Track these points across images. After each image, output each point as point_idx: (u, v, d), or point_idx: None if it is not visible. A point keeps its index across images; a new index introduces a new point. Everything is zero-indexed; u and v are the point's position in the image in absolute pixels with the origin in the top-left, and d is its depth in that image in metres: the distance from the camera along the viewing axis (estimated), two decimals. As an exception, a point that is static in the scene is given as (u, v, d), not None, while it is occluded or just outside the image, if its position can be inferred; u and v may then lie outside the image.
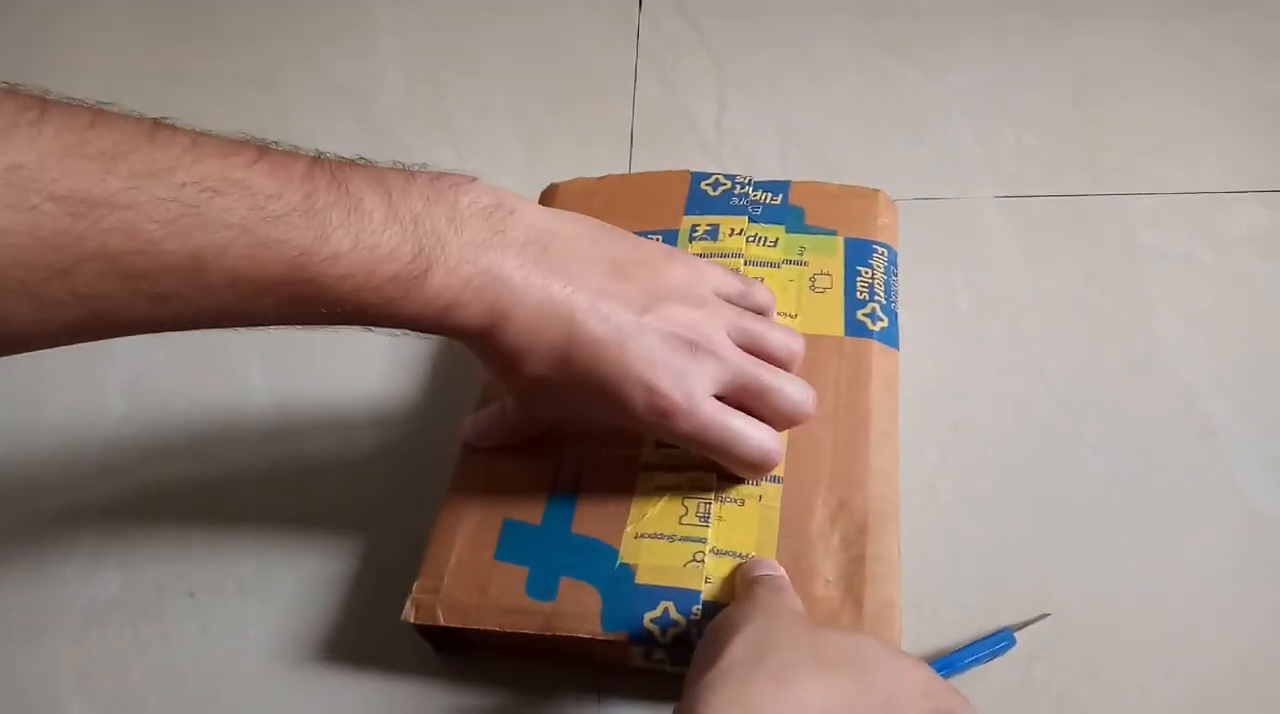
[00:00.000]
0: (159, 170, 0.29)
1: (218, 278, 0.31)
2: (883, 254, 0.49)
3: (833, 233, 0.50)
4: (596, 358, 0.37)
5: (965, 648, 0.42)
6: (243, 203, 0.30)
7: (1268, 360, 0.51)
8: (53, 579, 0.49)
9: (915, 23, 0.71)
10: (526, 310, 0.36)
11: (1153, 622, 0.43)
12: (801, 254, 0.49)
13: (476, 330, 0.36)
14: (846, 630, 0.33)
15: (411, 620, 0.40)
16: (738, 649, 0.31)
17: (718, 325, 0.39)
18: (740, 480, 0.42)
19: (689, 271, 0.41)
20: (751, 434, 0.39)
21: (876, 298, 0.47)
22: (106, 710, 0.45)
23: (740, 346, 0.40)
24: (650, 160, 0.64)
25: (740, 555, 0.40)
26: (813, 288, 0.48)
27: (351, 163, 0.34)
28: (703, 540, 0.40)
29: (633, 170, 0.64)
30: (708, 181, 0.52)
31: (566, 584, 0.40)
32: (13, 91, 0.28)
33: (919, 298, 0.54)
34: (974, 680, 0.42)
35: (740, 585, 0.39)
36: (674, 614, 0.38)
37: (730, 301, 0.41)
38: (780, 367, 0.41)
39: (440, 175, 0.36)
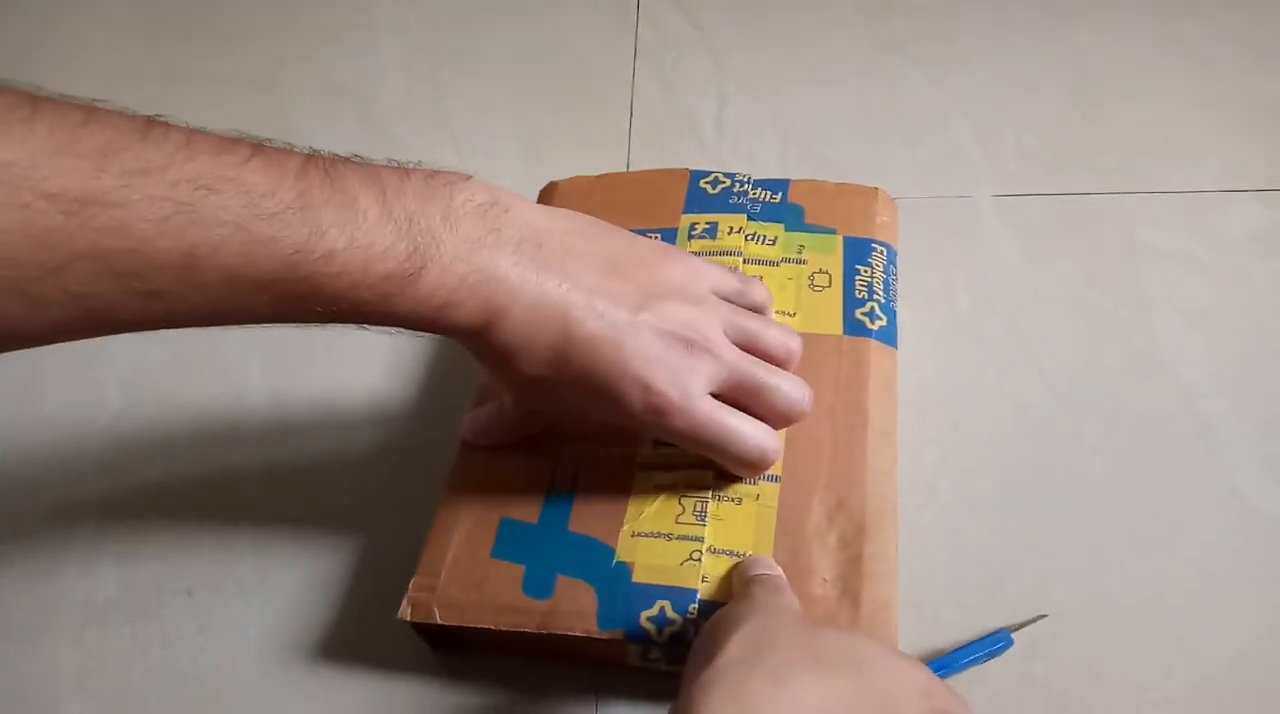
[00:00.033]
0: (152, 168, 0.29)
1: (211, 276, 0.30)
2: (882, 253, 0.49)
3: (832, 231, 0.50)
4: (592, 356, 0.37)
5: (962, 648, 0.42)
6: (236, 201, 0.30)
7: (1267, 359, 0.51)
8: (50, 578, 0.49)
9: (915, 21, 0.70)
10: (522, 308, 0.36)
11: (1152, 620, 0.43)
12: (800, 252, 0.49)
13: (472, 328, 0.36)
14: (844, 630, 0.33)
15: (408, 619, 0.40)
16: (735, 648, 0.31)
17: (714, 323, 0.39)
18: (738, 479, 0.42)
19: (685, 269, 0.41)
20: (749, 433, 0.39)
21: (875, 297, 0.47)
22: (105, 710, 0.45)
23: (737, 345, 0.40)
24: (650, 159, 0.64)
25: (737, 554, 0.40)
26: (811, 286, 0.48)
27: (346, 160, 0.34)
28: (700, 539, 0.40)
29: (632, 168, 0.64)
30: (707, 179, 0.52)
31: (563, 583, 0.40)
32: (4, 89, 0.28)
33: (919, 297, 0.54)
34: (973, 679, 0.42)
35: (737, 584, 0.39)
36: (670, 613, 0.38)
37: (727, 299, 0.41)
38: (777, 365, 0.41)
39: (435, 173, 0.36)
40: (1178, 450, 0.48)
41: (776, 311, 0.46)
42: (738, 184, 0.52)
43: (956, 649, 0.42)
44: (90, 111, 0.29)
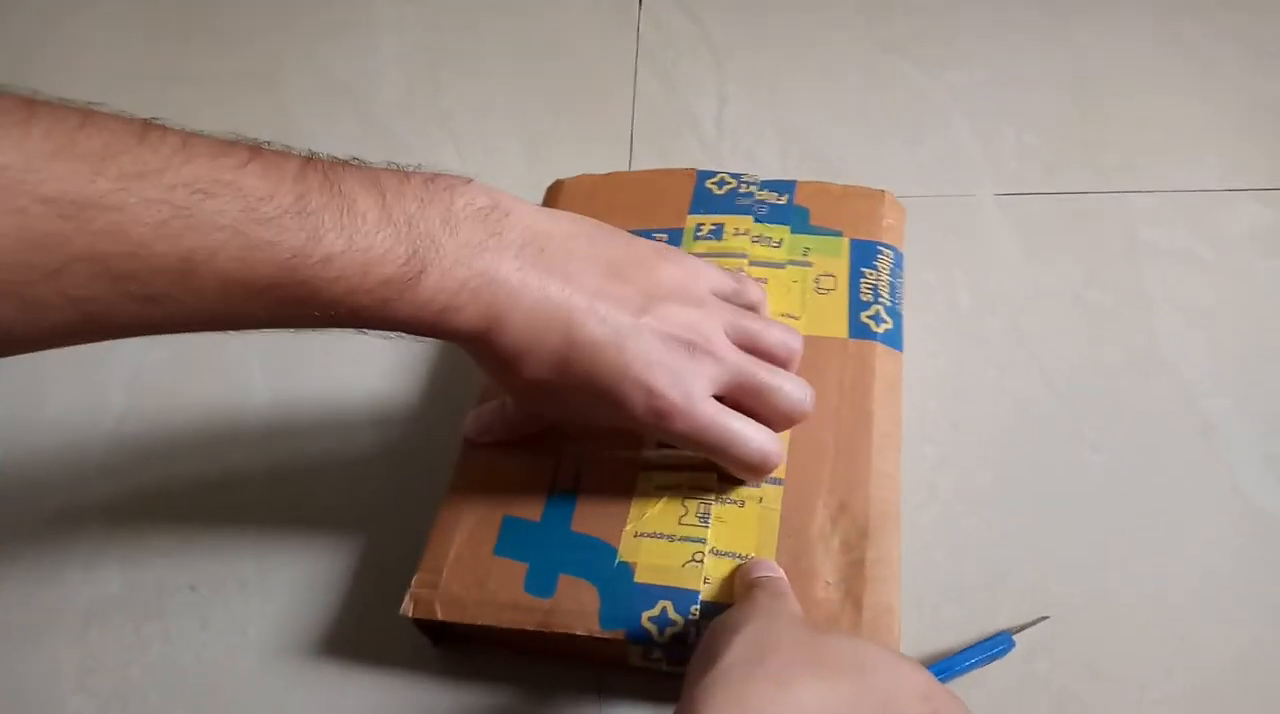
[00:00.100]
0: (149, 172, 0.29)
1: (209, 280, 0.30)
2: (888, 256, 0.49)
3: (838, 234, 0.50)
4: (595, 360, 0.37)
5: (964, 651, 0.42)
6: (234, 205, 0.30)
7: (1268, 358, 0.51)
8: (53, 577, 0.49)
9: (915, 21, 0.70)
10: (523, 313, 0.36)
11: (1153, 619, 0.43)
12: (806, 255, 0.49)
13: (473, 333, 0.36)
14: (846, 634, 0.33)
15: (410, 615, 0.40)
16: (737, 651, 0.31)
17: (715, 325, 0.39)
18: (741, 482, 0.42)
19: (685, 271, 0.40)
20: (751, 436, 0.39)
21: (881, 300, 0.47)
22: (108, 706, 0.45)
23: (738, 345, 0.40)
24: (651, 157, 0.64)
25: (740, 556, 0.40)
26: (817, 289, 0.48)
27: (345, 163, 0.34)
28: (702, 541, 0.40)
29: (633, 167, 0.64)
30: (713, 180, 0.52)
31: (565, 581, 0.40)
32: (0, 94, 0.28)
33: (919, 296, 0.54)
34: (973, 678, 0.42)
35: (739, 586, 0.39)
36: (672, 614, 0.38)
37: (725, 300, 0.41)
38: (779, 365, 0.41)
39: (435, 176, 0.36)
40: (1179, 449, 0.48)
41: (781, 314, 0.47)
42: (744, 185, 0.52)
43: (958, 652, 0.42)
44: (87, 115, 0.29)
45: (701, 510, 0.41)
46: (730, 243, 0.49)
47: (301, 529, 0.49)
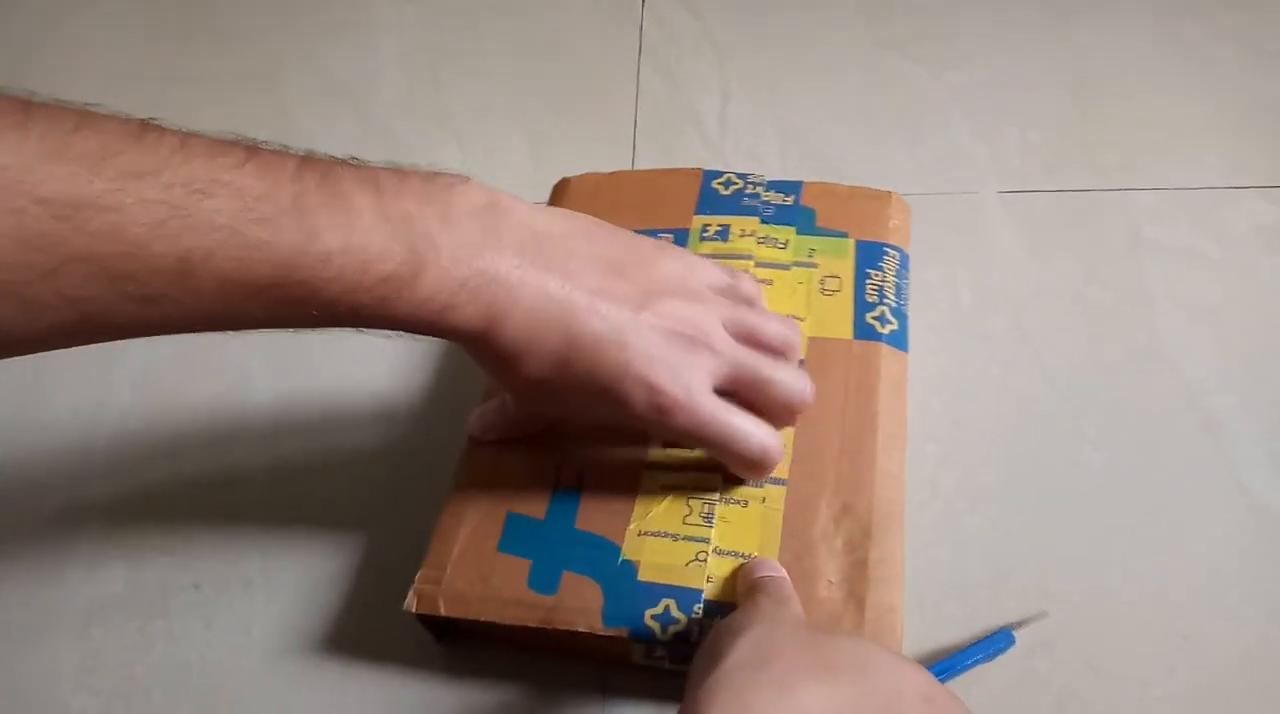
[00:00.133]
0: (146, 172, 0.29)
1: (207, 280, 0.30)
2: (894, 257, 0.49)
3: (844, 235, 0.50)
4: (596, 356, 0.37)
5: (964, 650, 0.41)
6: (231, 204, 0.30)
7: (1272, 355, 0.51)
8: (56, 575, 0.49)
9: (915, 20, 0.71)
10: (523, 311, 0.36)
11: (1155, 616, 0.43)
12: (811, 256, 0.49)
13: (472, 332, 0.36)
14: (849, 636, 0.33)
15: (413, 611, 0.40)
16: (740, 654, 0.31)
17: (714, 319, 0.39)
18: (744, 481, 0.42)
19: (683, 266, 0.41)
20: (751, 431, 0.39)
21: (886, 301, 0.47)
22: (110, 706, 0.45)
23: (736, 339, 0.40)
24: (654, 155, 0.64)
25: (743, 556, 0.40)
26: (822, 290, 0.48)
27: (342, 163, 0.34)
28: (706, 540, 0.40)
29: (636, 165, 0.64)
30: (719, 180, 0.52)
31: (568, 578, 0.40)
32: None
33: (922, 294, 0.54)
34: (975, 676, 0.41)
35: (741, 586, 0.39)
36: (675, 612, 0.38)
37: (722, 294, 0.41)
38: (778, 356, 0.41)
39: (433, 175, 0.36)
40: (1181, 447, 0.48)
41: (787, 315, 0.46)
42: (750, 185, 0.52)
43: (958, 651, 0.42)
44: (84, 116, 0.29)
45: (705, 510, 0.41)
46: (736, 244, 0.49)
47: (305, 527, 0.49)
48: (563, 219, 0.39)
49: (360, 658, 0.45)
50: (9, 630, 0.47)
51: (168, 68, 0.75)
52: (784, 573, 0.39)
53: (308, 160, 0.33)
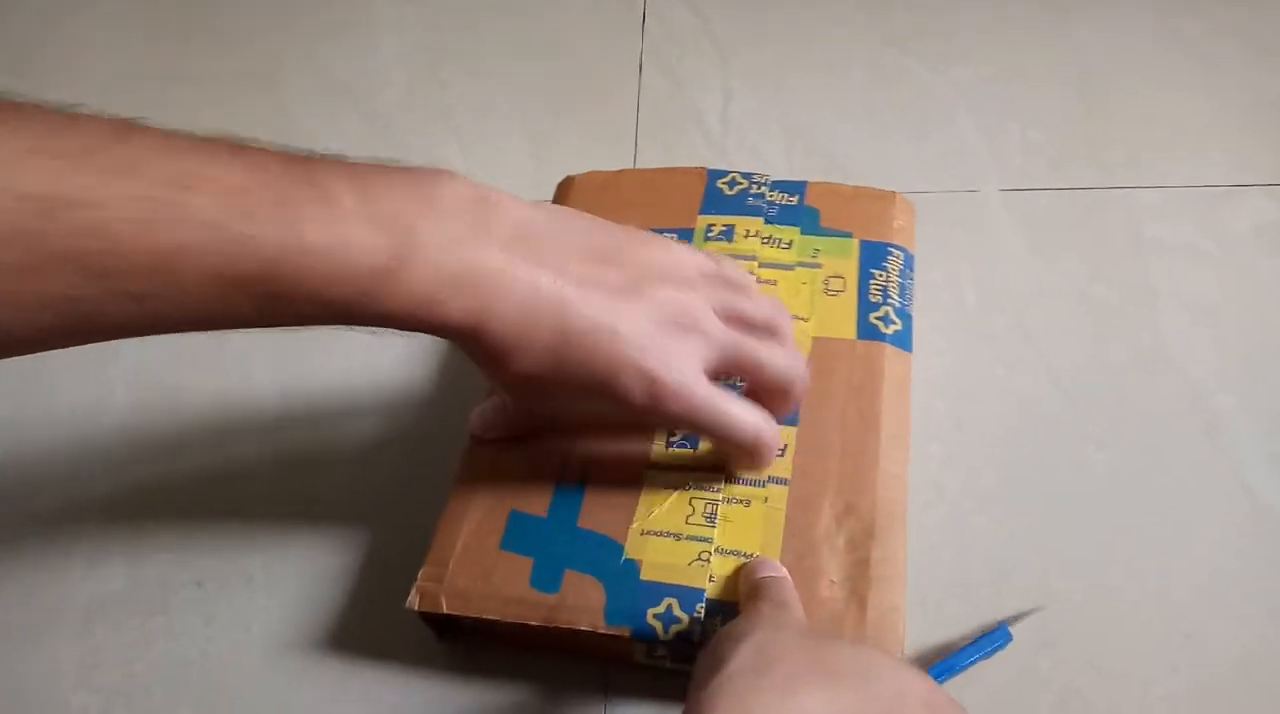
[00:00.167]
0: (128, 169, 0.29)
1: (192, 276, 0.30)
2: (898, 257, 0.49)
3: (848, 235, 0.50)
4: (590, 347, 0.36)
5: (962, 650, 0.42)
6: (214, 200, 0.30)
7: (1273, 355, 0.51)
8: (57, 573, 0.49)
9: (915, 17, 0.71)
10: (514, 305, 0.35)
11: (1157, 615, 0.43)
12: (815, 256, 0.49)
13: (462, 327, 0.35)
14: (852, 643, 0.33)
15: (415, 608, 0.40)
16: (742, 659, 0.31)
17: (703, 304, 0.39)
18: (747, 481, 0.42)
19: (668, 254, 0.40)
20: (744, 415, 0.39)
21: (890, 301, 0.47)
22: (112, 701, 0.45)
23: (726, 323, 0.40)
24: (656, 154, 0.64)
25: (745, 555, 0.40)
26: (826, 291, 0.48)
27: (326, 159, 0.34)
28: (709, 540, 0.40)
29: (638, 164, 0.64)
30: (724, 180, 0.52)
31: (571, 577, 0.40)
32: None
33: (925, 293, 0.54)
34: (977, 674, 0.42)
35: (743, 586, 0.39)
36: (677, 611, 0.38)
37: (709, 279, 0.41)
38: (770, 338, 0.40)
39: (419, 171, 0.36)
40: (1185, 446, 0.48)
41: (790, 315, 0.46)
42: (755, 185, 0.52)
43: (956, 651, 0.42)
44: (67, 116, 0.29)
45: (708, 510, 0.41)
46: (740, 244, 0.49)
47: (307, 524, 0.49)
48: (549, 212, 0.39)
49: (362, 656, 0.45)
50: (10, 628, 0.47)
51: (168, 68, 0.75)
52: (785, 573, 0.39)
53: (292, 158, 0.33)
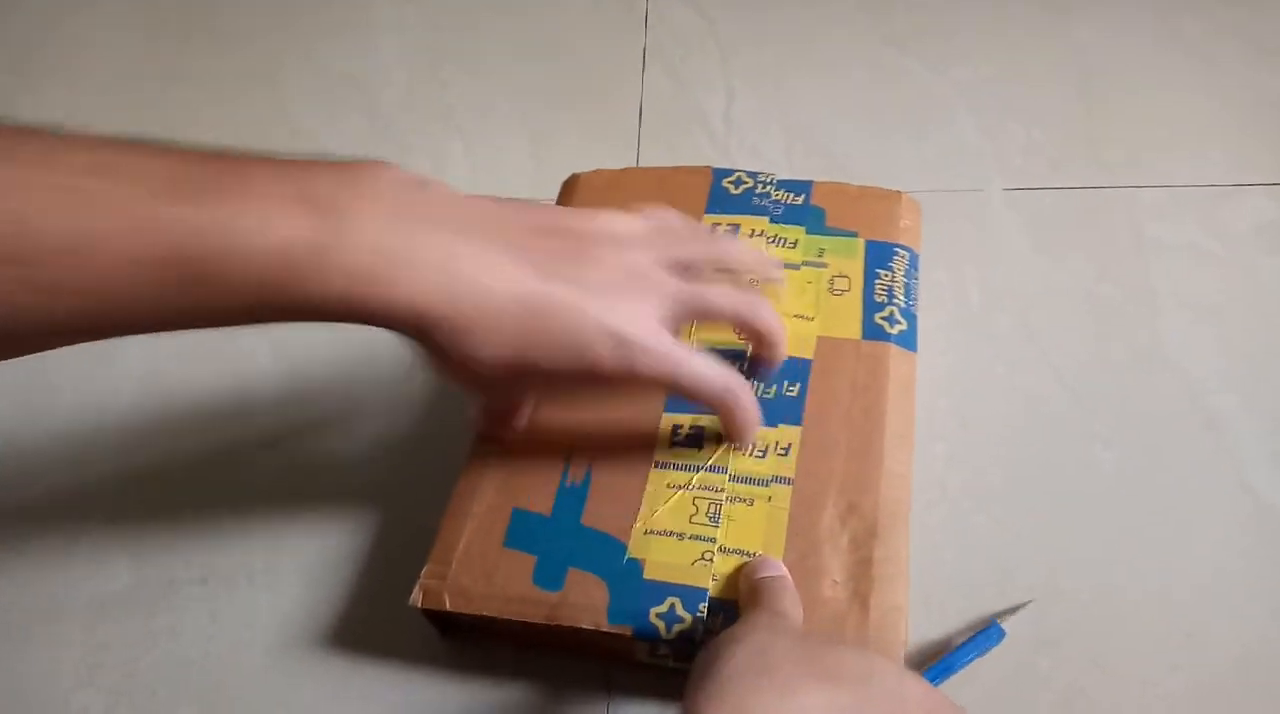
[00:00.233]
0: (42, 160, 0.29)
1: (106, 259, 0.29)
2: (903, 257, 0.49)
3: (853, 235, 0.50)
4: (554, 316, 0.36)
5: (956, 650, 0.42)
6: (131, 186, 0.30)
7: (1276, 354, 0.51)
8: (60, 571, 0.49)
9: (915, 17, 0.71)
10: (468, 285, 0.34)
11: (1159, 615, 0.43)
12: (821, 256, 0.49)
13: (411, 313, 0.34)
14: (852, 647, 0.33)
15: (419, 605, 0.40)
16: (740, 661, 0.31)
17: (649, 262, 0.39)
18: (750, 480, 0.42)
19: (606, 221, 0.40)
20: (710, 366, 0.39)
21: (895, 301, 0.47)
22: (114, 701, 0.45)
23: (674, 274, 0.39)
24: (659, 153, 0.64)
25: (748, 554, 0.40)
26: (831, 290, 0.48)
27: (259, 157, 0.33)
28: (712, 540, 0.40)
29: (641, 162, 0.64)
30: (729, 179, 0.52)
31: (574, 575, 0.40)
32: None
33: (927, 292, 0.54)
34: (979, 672, 0.42)
35: (743, 585, 0.39)
36: (680, 610, 0.38)
37: (649, 235, 0.41)
38: (728, 278, 0.41)
39: (353, 162, 0.35)
40: (1187, 445, 0.48)
41: (795, 315, 0.47)
42: (760, 184, 0.52)
43: (950, 652, 0.42)
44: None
45: (712, 509, 0.41)
46: (746, 244, 0.49)
47: (310, 521, 0.49)
48: (485, 197, 0.38)
49: (365, 653, 0.45)
50: (13, 627, 0.47)
51: (168, 68, 0.75)
52: (785, 572, 0.39)
53: (219, 154, 0.32)
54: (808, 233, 0.50)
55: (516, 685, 0.43)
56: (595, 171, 0.55)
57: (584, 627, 0.39)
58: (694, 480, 0.42)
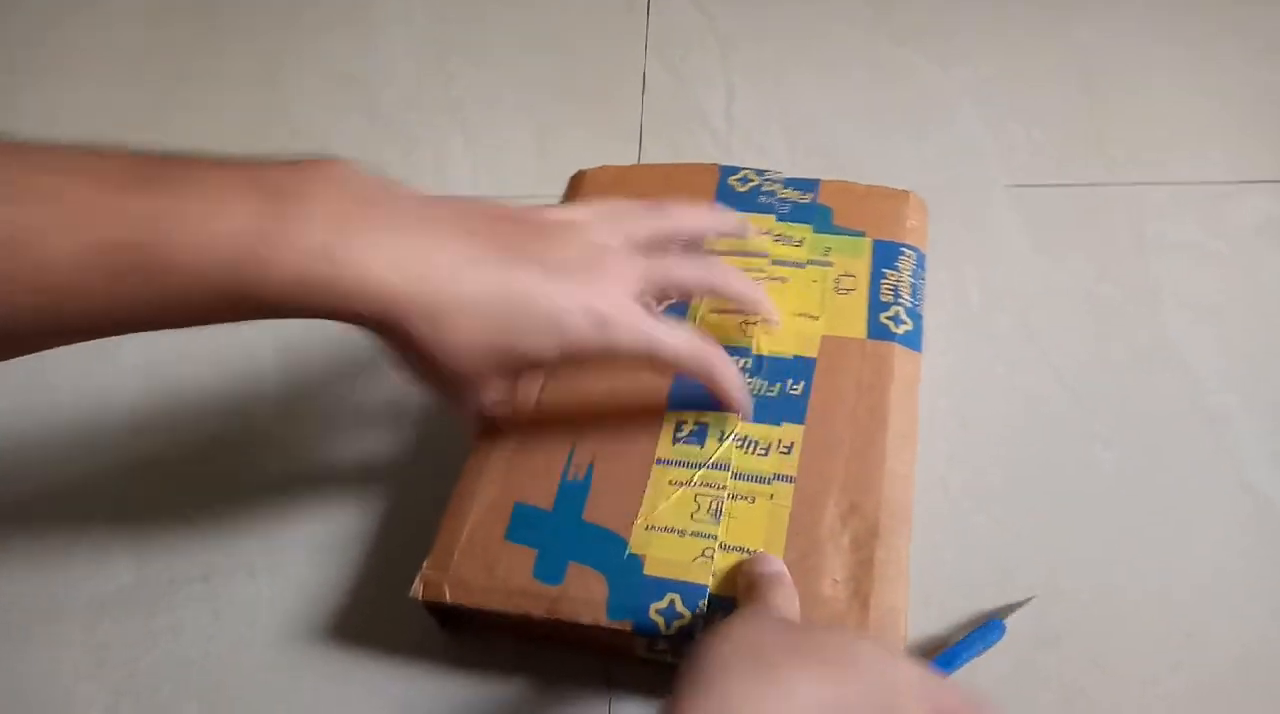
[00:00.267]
0: None
1: (51, 247, 0.29)
2: (910, 257, 0.49)
3: (860, 234, 0.50)
4: (532, 296, 0.36)
5: (958, 645, 0.41)
6: (71, 179, 0.30)
7: (1277, 354, 0.51)
8: (62, 569, 0.49)
9: (916, 14, 0.71)
10: (438, 274, 0.34)
11: (1159, 614, 0.43)
12: (827, 254, 0.49)
13: (374, 302, 0.33)
14: (838, 629, 0.33)
15: (419, 598, 0.40)
16: (724, 651, 0.31)
17: (610, 242, 0.39)
18: (753, 478, 0.42)
19: (560, 211, 0.40)
20: (683, 335, 0.39)
21: (901, 301, 0.47)
22: (117, 699, 0.45)
23: (642, 253, 0.40)
24: (661, 149, 0.65)
25: (749, 551, 0.40)
26: (837, 289, 0.48)
27: (215, 158, 0.33)
28: (713, 537, 0.40)
29: (643, 159, 0.64)
30: (736, 177, 0.53)
31: (574, 569, 0.40)
32: None
33: (929, 291, 0.54)
34: (980, 670, 0.42)
35: (741, 582, 0.39)
36: (680, 607, 0.38)
37: (604, 218, 0.41)
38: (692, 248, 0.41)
39: (306, 160, 0.34)
40: (1188, 445, 0.48)
41: (800, 313, 0.47)
42: (767, 182, 0.52)
43: (949, 648, 0.41)
44: None
45: (713, 507, 0.41)
46: (751, 242, 0.49)
47: (312, 516, 0.49)
48: (440, 198, 0.37)
49: (366, 647, 0.45)
50: (15, 625, 0.47)
51: (169, 67, 0.75)
52: (782, 568, 0.39)
53: (174, 154, 0.32)
54: (814, 231, 0.50)
55: (516, 679, 0.43)
56: (602, 168, 0.55)
57: (583, 621, 0.39)
58: (696, 477, 0.42)
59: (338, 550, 0.48)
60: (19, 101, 0.72)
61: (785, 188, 0.52)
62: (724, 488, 0.41)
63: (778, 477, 0.42)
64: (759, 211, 0.51)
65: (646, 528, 0.40)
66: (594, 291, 0.37)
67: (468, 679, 0.44)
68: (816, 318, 0.47)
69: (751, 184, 0.52)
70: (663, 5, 0.74)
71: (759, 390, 0.44)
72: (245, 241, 0.31)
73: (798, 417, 0.43)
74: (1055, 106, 0.64)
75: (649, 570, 0.39)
